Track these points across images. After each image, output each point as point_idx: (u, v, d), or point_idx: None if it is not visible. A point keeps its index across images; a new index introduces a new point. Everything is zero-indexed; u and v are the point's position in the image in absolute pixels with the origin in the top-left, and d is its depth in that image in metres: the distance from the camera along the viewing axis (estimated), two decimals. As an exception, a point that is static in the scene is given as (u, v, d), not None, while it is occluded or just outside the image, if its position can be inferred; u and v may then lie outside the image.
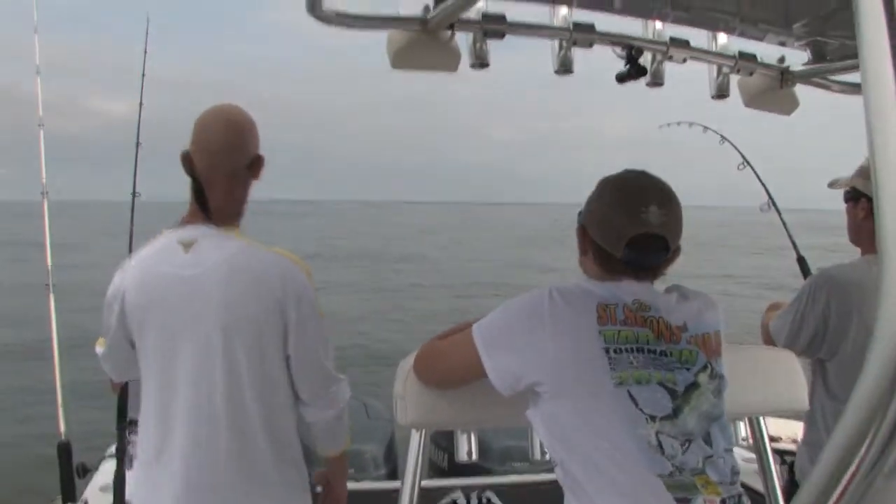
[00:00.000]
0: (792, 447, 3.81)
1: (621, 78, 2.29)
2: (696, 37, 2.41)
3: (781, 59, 2.52)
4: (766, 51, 2.51)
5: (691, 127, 4.63)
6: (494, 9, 2.16)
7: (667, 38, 2.33)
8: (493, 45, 2.23)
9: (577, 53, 2.30)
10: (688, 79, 2.57)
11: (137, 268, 2.16)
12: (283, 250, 2.19)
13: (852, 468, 0.63)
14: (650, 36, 2.33)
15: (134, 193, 3.51)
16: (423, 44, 2.13)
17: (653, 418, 1.57)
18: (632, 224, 1.67)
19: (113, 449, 3.04)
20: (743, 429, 2.16)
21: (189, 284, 2.09)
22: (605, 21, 2.27)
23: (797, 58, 2.49)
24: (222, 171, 2.13)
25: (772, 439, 2.25)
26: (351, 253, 34.00)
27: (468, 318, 1.85)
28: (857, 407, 0.61)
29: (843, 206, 2.86)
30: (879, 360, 0.59)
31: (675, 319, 1.68)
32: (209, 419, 2.10)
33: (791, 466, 3.04)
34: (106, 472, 3.13)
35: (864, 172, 2.82)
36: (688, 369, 1.65)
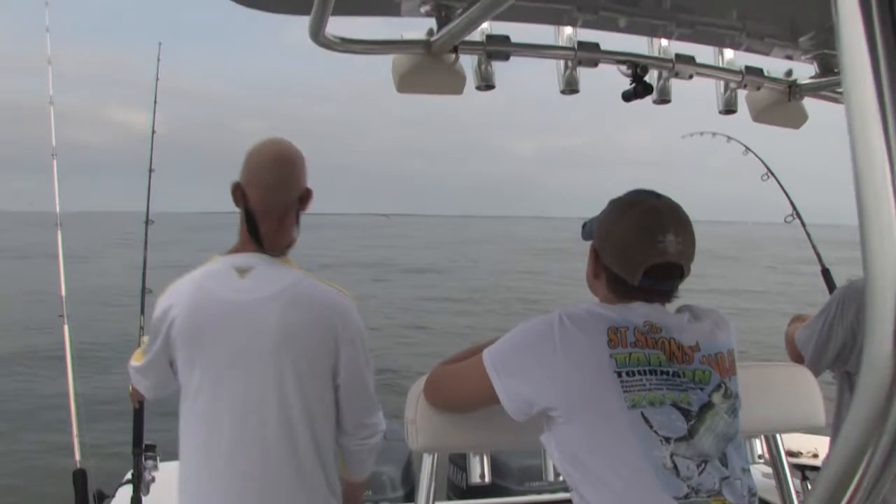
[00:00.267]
0: (813, 462, 3.76)
1: (627, 97, 2.29)
2: (702, 53, 2.41)
3: (789, 73, 2.50)
4: (773, 65, 2.51)
5: (714, 137, 4.63)
6: (498, 30, 2.16)
7: (672, 55, 2.32)
8: (511, 58, 2.23)
9: (592, 72, 2.31)
10: (706, 93, 2.57)
11: (190, 291, 2.20)
12: (337, 283, 2.28)
13: (856, 479, 0.62)
14: (655, 53, 2.32)
15: (147, 221, 3.53)
16: (428, 67, 2.13)
17: (667, 440, 1.56)
18: (649, 253, 1.67)
19: (129, 475, 3.05)
20: (759, 446, 2.14)
21: (247, 309, 2.15)
22: (609, 40, 2.26)
23: (804, 71, 2.48)
24: (275, 206, 2.21)
25: (792, 454, 2.23)
26: (365, 264, 34.28)
27: (477, 342, 1.86)
28: (857, 418, 0.61)
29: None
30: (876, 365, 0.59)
31: (688, 339, 1.68)
32: (261, 444, 2.16)
33: None
34: (122, 498, 3.13)
35: None
36: (701, 389, 1.64)
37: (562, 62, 2.27)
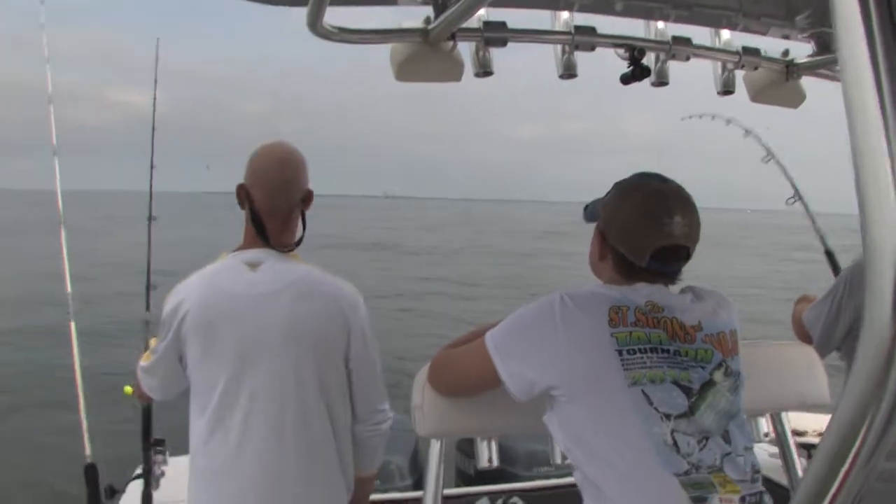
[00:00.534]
0: (818, 441, 3.77)
1: (625, 79, 2.29)
2: (699, 34, 2.41)
3: (786, 53, 2.50)
4: (770, 44, 2.51)
5: (714, 119, 4.63)
6: (495, 16, 2.16)
7: (669, 38, 2.32)
8: (511, 44, 2.23)
9: (591, 56, 2.31)
10: (706, 76, 2.57)
11: (201, 286, 2.26)
12: (340, 278, 2.37)
13: (851, 454, 0.63)
14: (652, 36, 2.32)
15: (150, 217, 3.54)
16: (426, 55, 2.14)
17: (668, 416, 1.57)
18: (656, 235, 1.68)
19: (139, 469, 3.06)
20: (765, 425, 2.15)
21: (258, 301, 2.21)
22: (606, 23, 2.27)
23: (802, 50, 2.48)
24: (280, 206, 2.28)
25: (798, 433, 2.24)
26: (364, 245, 34.43)
27: (480, 325, 1.87)
28: (852, 395, 0.62)
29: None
30: (872, 345, 0.60)
31: (690, 319, 1.69)
32: (279, 434, 2.20)
33: None
34: (133, 492, 3.15)
35: None
36: (703, 367, 1.65)
37: (559, 47, 2.28)
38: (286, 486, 2.21)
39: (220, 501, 2.23)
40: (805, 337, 2.92)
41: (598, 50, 2.30)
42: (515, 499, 3.65)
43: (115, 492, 3.13)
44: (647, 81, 2.36)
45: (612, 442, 1.58)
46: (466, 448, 3.92)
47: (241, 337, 2.19)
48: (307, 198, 2.33)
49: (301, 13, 1.87)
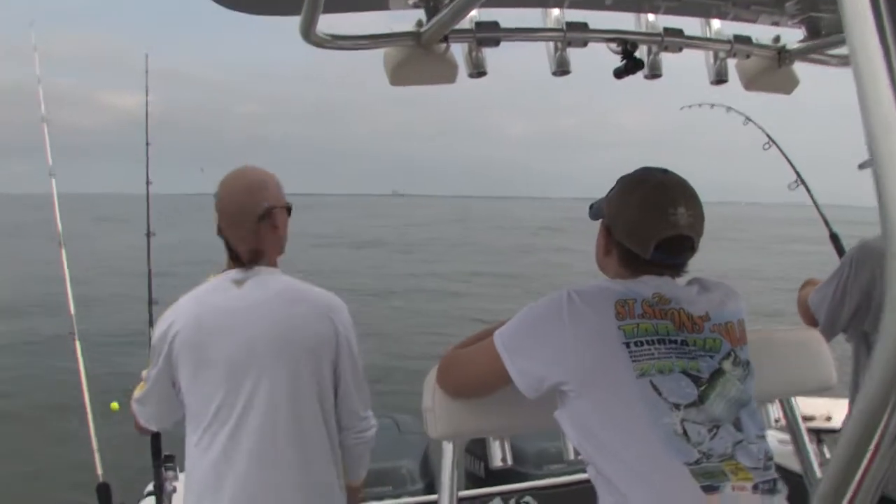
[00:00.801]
0: (826, 425, 3.78)
1: (619, 73, 2.30)
2: (690, 25, 2.41)
3: (777, 39, 2.51)
4: (761, 32, 2.51)
5: (713, 108, 4.63)
6: (486, 17, 2.16)
7: (661, 30, 2.33)
8: (503, 42, 2.24)
9: (581, 51, 2.32)
10: (697, 68, 2.58)
11: (190, 306, 2.30)
12: (323, 289, 2.43)
13: (875, 438, 0.63)
14: (643, 29, 2.33)
15: (149, 234, 3.54)
16: (419, 58, 2.14)
17: (677, 406, 1.58)
18: (661, 226, 1.69)
19: (150, 486, 3.06)
20: (774, 411, 2.16)
21: (246, 312, 2.25)
22: (597, 18, 2.27)
23: (793, 36, 2.49)
24: (242, 228, 2.31)
25: (806, 418, 2.24)
26: (364, 242, 34.60)
27: (487, 325, 1.87)
28: (875, 379, 0.62)
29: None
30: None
31: (697, 310, 1.70)
32: (276, 443, 2.23)
33: None
34: (146, 510, 3.15)
35: None
36: (711, 357, 1.66)
37: (552, 44, 2.28)
38: (285, 498, 2.24)
39: None
40: (811, 320, 2.91)
41: (590, 45, 2.31)
42: (528, 498, 3.65)
43: (127, 510, 3.13)
44: (640, 74, 2.37)
45: (621, 434, 1.58)
46: (475, 449, 3.92)
47: (232, 350, 2.22)
48: (268, 214, 2.33)
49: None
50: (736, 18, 2.38)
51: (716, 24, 2.43)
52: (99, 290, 16.24)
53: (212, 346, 2.22)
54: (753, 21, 2.40)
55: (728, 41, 2.44)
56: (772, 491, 1.59)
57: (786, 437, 2.30)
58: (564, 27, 2.22)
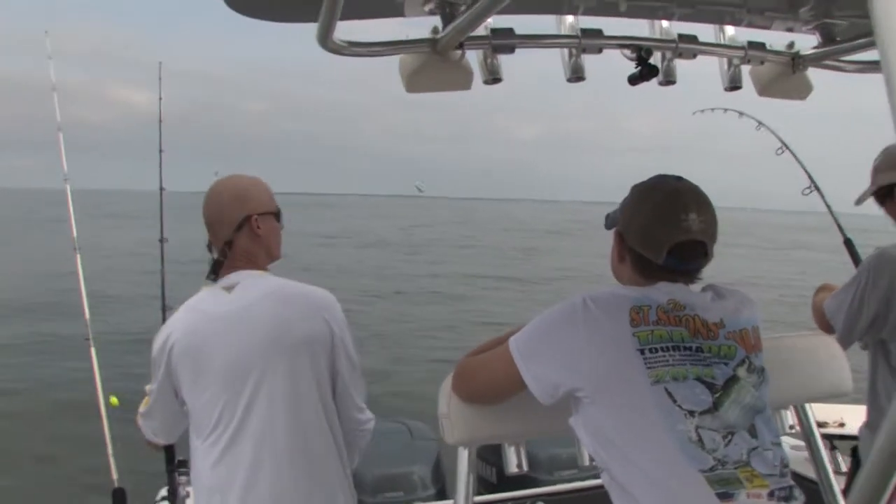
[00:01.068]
0: (839, 431, 3.77)
1: (633, 80, 2.30)
2: (704, 31, 2.42)
3: (791, 45, 2.51)
4: (775, 38, 2.51)
5: (726, 113, 4.63)
6: (501, 23, 2.17)
7: (675, 36, 2.33)
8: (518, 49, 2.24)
9: (591, 56, 2.32)
10: (708, 74, 2.57)
11: (184, 317, 2.33)
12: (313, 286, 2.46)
13: None
14: (658, 35, 2.33)
15: (162, 239, 3.55)
16: (435, 65, 2.15)
17: (692, 413, 1.58)
18: (673, 231, 1.70)
19: (164, 491, 3.07)
20: (790, 417, 2.15)
21: (240, 315, 2.28)
22: (611, 25, 2.28)
23: (807, 42, 2.49)
24: (223, 236, 2.36)
25: (819, 424, 2.24)
26: (366, 243, 34.78)
27: (500, 335, 1.88)
28: None
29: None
30: None
31: (712, 317, 1.70)
32: (275, 438, 2.24)
33: (854, 451, 3.00)
34: (160, 515, 3.16)
35: (886, 163, 2.81)
36: (726, 364, 1.66)
37: (566, 50, 2.29)
38: (291, 497, 2.26)
39: None
40: (826, 327, 2.90)
41: (603, 52, 2.31)
42: (540, 503, 3.65)
43: (141, 515, 3.14)
44: (653, 81, 2.37)
45: (636, 441, 1.59)
46: (487, 455, 3.93)
47: (229, 354, 2.25)
48: (246, 223, 2.37)
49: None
50: (750, 25, 2.38)
51: (730, 30, 2.43)
52: (109, 290, 16.27)
53: (209, 352, 2.25)
54: (767, 27, 2.40)
55: (742, 47, 2.43)
56: (788, 498, 1.59)
57: (799, 443, 2.29)
58: (579, 34, 2.22)
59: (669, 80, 2.41)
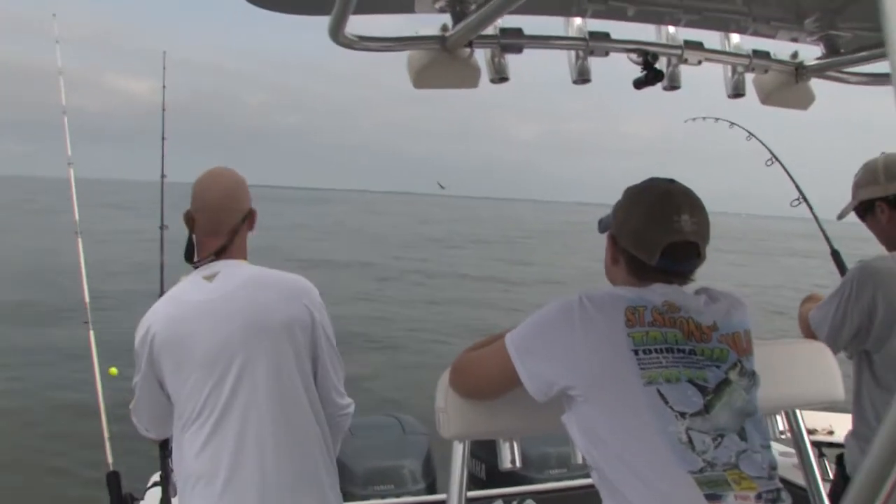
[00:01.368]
0: (829, 439, 3.80)
1: (639, 84, 2.32)
2: (710, 38, 2.44)
3: (795, 55, 2.53)
4: (779, 47, 2.53)
5: (717, 122, 4.64)
6: (510, 23, 2.18)
7: (681, 42, 2.35)
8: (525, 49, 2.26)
9: (596, 58, 2.34)
10: (708, 80, 2.59)
11: (163, 308, 2.36)
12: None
13: None
14: (664, 41, 2.35)
15: (162, 227, 3.55)
16: (443, 62, 2.16)
17: (683, 415, 1.60)
18: (666, 232, 1.72)
19: (157, 476, 3.07)
20: (780, 423, 2.17)
21: (221, 302, 2.30)
22: (619, 28, 2.30)
23: (811, 52, 2.51)
24: (224, 227, 2.40)
25: (808, 432, 2.25)
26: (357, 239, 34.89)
27: (497, 332, 1.89)
28: None
29: None
30: None
31: (705, 320, 1.72)
32: (260, 422, 2.27)
33: (840, 459, 3.03)
34: (152, 499, 3.16)
35: (866, 178, 2.84)
36: (718, 367, 1.68)
37: (573, 52, 2.30)
38: (277, 481, 2.26)
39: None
40: (812, 337, 2.92)
41: (607, 55, 2.33)
42: (529, 501, 3.67)
43: (133, 499, 3.14)
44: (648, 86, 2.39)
45: (627, 441, 1.60)
46: (477, 451, 3.95)
47: (212, 341, 2.27)
48: (249, 216, 2.48)
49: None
50: (755, 33, 2.41)
51: (735, 38, 2.45)
52: (109, 285, 16.25)
53: (191, 340, 2.27)
54: (772, 36, 2.42)
55: (747, 55, 2.46)
56: (775, 500, 1.60)
57: (788, 449, 2.31)
58: (587, 36, 2.24)
59: (674, 86, 2.43)
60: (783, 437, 2.19)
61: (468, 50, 2.17)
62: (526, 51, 2.24)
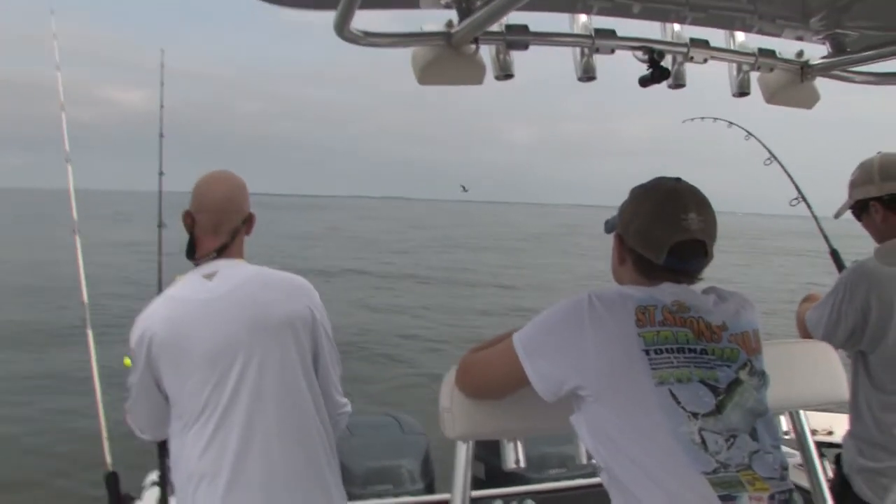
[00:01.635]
0: (829, 439, 3.79)
1: (644, 81, 2.30)
2: (715, 36, 2.43)
3: (800, 54, 2.52)
4: (783, 46, 2.52)
5: (715, 122, 4.63)
6: (515, 19, 2.17)
7: (686, 40, 2.34)
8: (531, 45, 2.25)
9: (597, 56, 2.33)
10: (710, 79, 2.59)
11: (162, 308, 2.33)
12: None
13: None
14: (670, 38, 2.34)
15: (160, 225, 3.54)
16: (449, 59, 2.15)
17: (695, 415, 1.58)
18: (673, 231, 1.71)
19: (154, 476, 3.06)
20: (783, 423, 2.16)
21: (222, 302, 2.29)
22: (624, 25, 2.28)
23: (816, 51, 2.50)
24: (225, 227, 2.40)
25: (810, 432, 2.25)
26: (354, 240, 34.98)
27: (501, 332, 1.88)
28: None
29: None
30: None
31: (715, 319, 1.71)
32: (264, 420, 2.26)
33: (837, 458, 3.02)
34: (150, 499, 3.15)
35: (861, 178, 2.85)
36: (729, 366, 1.67)
37: (577, 49, 2.29)
38: (280, 480, 2.25)
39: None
40: (809, 337, 2.94)
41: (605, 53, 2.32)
42: (529, 501, 3.66)
43: (132, 499, 3.13)
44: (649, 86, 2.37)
45: (639, 441, 1.59)
46: (478, 451, 3.93)
47: (214, 338, 2.25)
48: (249, 220, 2.49)
49: (304, 15, 1.87)
50: (760, 32, 2.40)
51: (740, 36, 2.44)
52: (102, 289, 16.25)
53: (192, 340, 2.25)
54: (778, 35, 2.41)
55: (752, 54, 2.45)
56: (787, 502, 1.59)
57: (787, 450, 2.30)
58: (593, 33, 2.23)
59: (679, 84, 2.42)
60: (786, 437, 2.17)
61: (473, 46, 2.15)
62: (527, 53, 2.23)
